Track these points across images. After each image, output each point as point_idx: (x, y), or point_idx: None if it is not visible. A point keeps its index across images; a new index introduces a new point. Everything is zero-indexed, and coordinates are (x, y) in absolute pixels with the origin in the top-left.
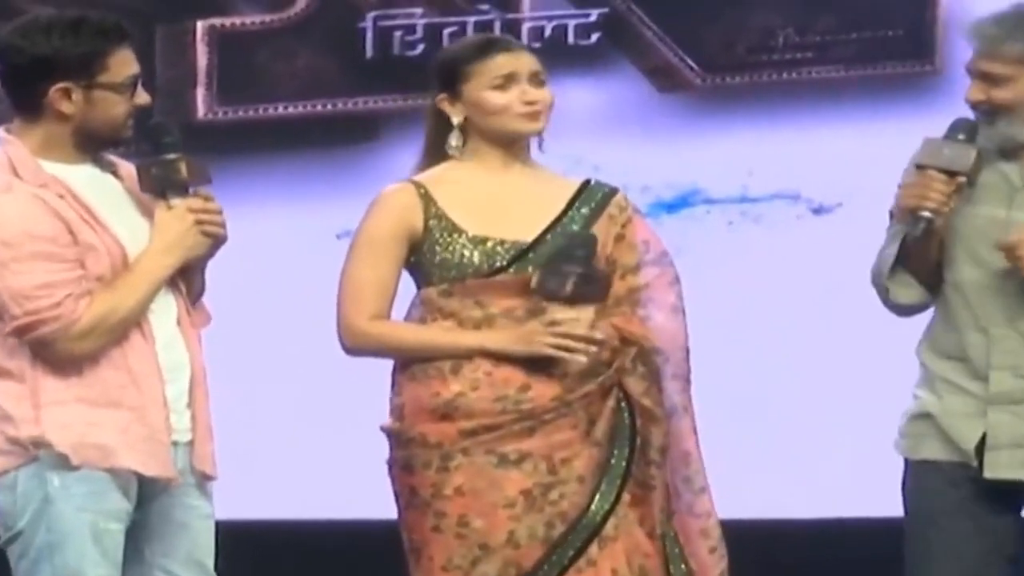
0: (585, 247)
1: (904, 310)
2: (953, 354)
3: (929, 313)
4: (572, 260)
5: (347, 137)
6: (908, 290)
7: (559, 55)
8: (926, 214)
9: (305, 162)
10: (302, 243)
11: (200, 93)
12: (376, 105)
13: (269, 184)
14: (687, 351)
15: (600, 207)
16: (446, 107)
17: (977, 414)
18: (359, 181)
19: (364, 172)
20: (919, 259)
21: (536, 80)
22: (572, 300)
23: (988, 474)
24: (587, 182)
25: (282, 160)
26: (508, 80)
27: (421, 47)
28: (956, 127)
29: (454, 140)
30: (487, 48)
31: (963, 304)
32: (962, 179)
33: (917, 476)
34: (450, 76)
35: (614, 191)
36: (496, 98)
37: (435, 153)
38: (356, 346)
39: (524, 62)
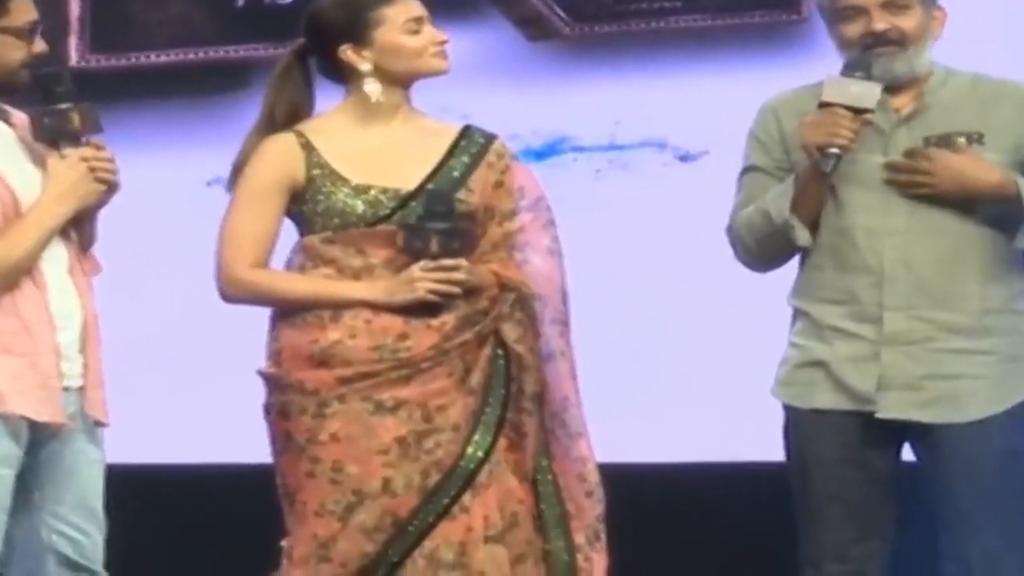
0: (444, 203)
1: (786, 255)
2: (839, 298)
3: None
4: (433, 218)
5: (217, 85)
6: (804, 232)
7: (430, 3)
8: (835, 151)
9: (176, 110)
10: (173, 190)
11: (73, 41)
12: (246, 54)
13: (141, 131)
14: (565, 294)
15: (480, 154)
16: (352, 57)
17: (870, 357)
18: (229, 129)
19: (234, 120)
20: (812, 202)
21: (431, 22)
22: (438, 257)
23: (881, 414)
24: (466, 128)
25: (154, 107)
26: (419, 23)
27: None
28: (855, 64)
29: (375, 87)
30: None
31: (852, 248)
32: (868, 115)
33: (806, 424)
34: (357, 22)
35: (492, 138)
36: (412, 41)
37: (296, 105)
38: (234, 294)
39: (421, 5)
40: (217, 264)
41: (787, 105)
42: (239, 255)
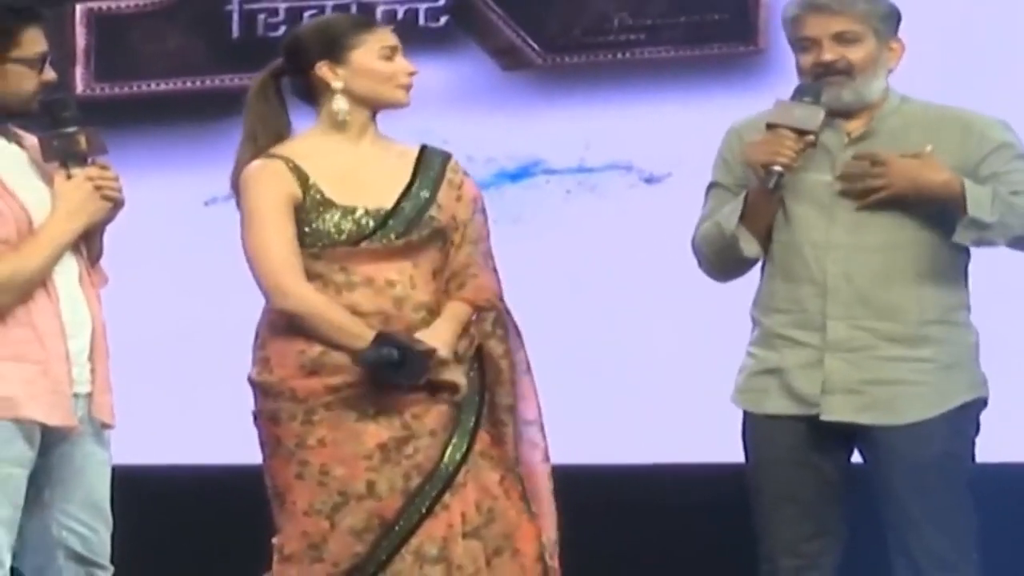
0: (388, 359)
1: (740, 266)
2: (788, 308)
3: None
4: (388, 369)
5: (214, 112)
6: (752, 245)
7: (410, 36)
8: (778, 168)
9: (175, 135)
10: (173, 209)
11: (79, 71)
12: (241, 82)
13: (143, 155)
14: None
15: (441, 173)
16: (326, 73)
17: (815, 363)
18: (225, 152)
19: (230, 144)
20: (761, 216)
21: (404, 54)
22: (420, 375)
23: (824, 417)
24: (423, 148)
25: (154, 133)
26: (393, 52)
27: (283, 28)
28: (803, 91)
29: (343, 105)
30: (372, 21)
31: (800, 261)
32: (811, 137)
33: (760, 429)
34: (335, 43)
35: (448, 156)
36: (385, 66)
37: (276, 123)
38: (290, 306)
39: (396, 37)
40: (265, 280)
41: (750, 127)
42: (287, 266)
